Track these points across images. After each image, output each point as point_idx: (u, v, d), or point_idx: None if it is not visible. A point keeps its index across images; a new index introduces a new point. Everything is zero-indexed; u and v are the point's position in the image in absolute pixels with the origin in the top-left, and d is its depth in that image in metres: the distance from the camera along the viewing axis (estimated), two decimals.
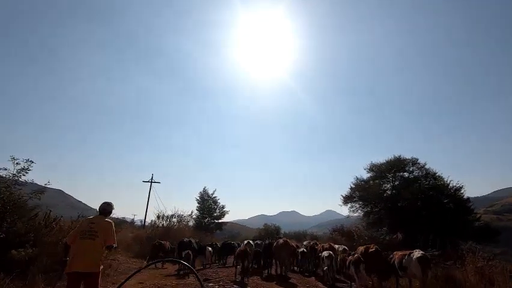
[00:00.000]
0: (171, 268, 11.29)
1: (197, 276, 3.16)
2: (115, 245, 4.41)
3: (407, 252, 8.14)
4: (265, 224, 33.22)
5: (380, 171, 19.41)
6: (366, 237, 16.70)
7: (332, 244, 12.24)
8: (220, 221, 31.59)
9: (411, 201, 16.66)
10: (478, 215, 16.02)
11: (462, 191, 16.32)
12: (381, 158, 20.34)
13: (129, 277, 3.71)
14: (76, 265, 3.88)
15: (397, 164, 18.97)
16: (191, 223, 25.73)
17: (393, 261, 8.44)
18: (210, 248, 12.98)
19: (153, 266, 11.21)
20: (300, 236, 27.39)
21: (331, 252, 10.19)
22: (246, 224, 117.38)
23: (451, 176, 17.77)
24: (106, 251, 5.39)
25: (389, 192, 18.73)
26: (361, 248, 9.70)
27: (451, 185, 16.59)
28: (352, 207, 19.56)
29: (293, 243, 12.58)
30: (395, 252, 8.81)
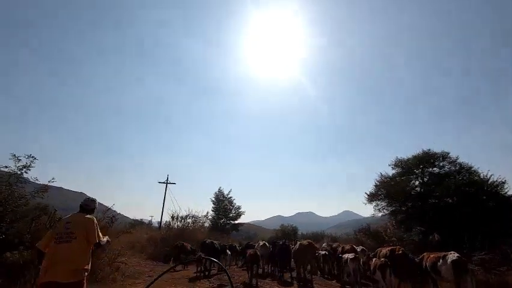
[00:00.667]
0: (192, 270, 10.74)
1: (229, 278, 3.18)
2: (104, 240, 3.66)
3: (441, 254, 7.05)
4: (282, 224, 32.30)
5: (407, 166, 17.90)
6: (395, 238, 15.26)
7: (355, 246, 11.42)
8: (236, 222, 31.02)
9: (445, 199, 15.16)
10: None
11: (505, 187, 14.63)
12: (402, 155, 18.79)
13: (154, 280, 3.75)
14: (52, 274, 3.15)
15: (426, 159, 17.38)
16: (206, 224, 25.27)
17: (426, 264, 7.43)
18: (228, 251, 12.71)
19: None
20: (318, 237, 26.46)
21: (356, 254, 9.32)
22: (263, 225, 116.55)
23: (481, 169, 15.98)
24: (101, 250, 4.62)
25: (418, 189, 17.23)
26: (384, 251, 8.71)
27: (491, 180, 14.91)
28: (377, 205, 18.14)
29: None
30: (425, 254, 7.76)
